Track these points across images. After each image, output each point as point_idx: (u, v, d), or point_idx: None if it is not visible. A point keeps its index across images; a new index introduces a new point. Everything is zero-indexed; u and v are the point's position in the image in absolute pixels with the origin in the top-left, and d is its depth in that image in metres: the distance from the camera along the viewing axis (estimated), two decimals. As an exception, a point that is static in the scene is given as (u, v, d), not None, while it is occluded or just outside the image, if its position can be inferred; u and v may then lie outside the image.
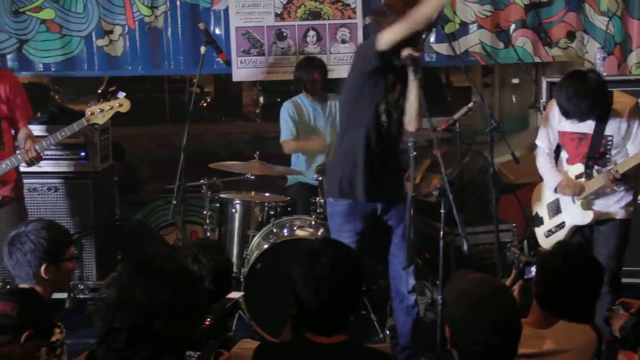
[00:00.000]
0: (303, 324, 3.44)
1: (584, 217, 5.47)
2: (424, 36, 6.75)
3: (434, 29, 7.02)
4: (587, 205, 5.44)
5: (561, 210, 5.62)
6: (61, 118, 6.95)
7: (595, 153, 5.39)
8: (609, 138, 5.37)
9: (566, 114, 5.32)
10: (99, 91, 10.95)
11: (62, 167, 6.89)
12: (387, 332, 6.03)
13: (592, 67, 5.80)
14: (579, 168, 5.45)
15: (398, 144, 5.30)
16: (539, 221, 5.82)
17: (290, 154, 7.28)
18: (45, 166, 6.71)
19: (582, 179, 5.43)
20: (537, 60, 7.65)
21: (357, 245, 5.14)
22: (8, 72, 6.10)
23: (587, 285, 3.77)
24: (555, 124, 5.58)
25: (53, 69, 7.70)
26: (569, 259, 3.86)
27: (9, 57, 7.55)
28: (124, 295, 3.11)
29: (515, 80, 8.03)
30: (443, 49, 7.56)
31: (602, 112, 5.30)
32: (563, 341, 3.64)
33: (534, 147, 7.14)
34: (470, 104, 7.08)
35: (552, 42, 7.56)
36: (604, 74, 7.03)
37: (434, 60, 7.64)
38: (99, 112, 5.67)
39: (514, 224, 6.82)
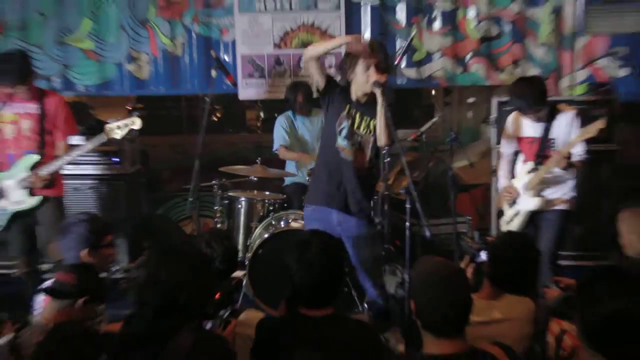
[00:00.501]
0: (297, 301, 3.52)
1: (534, 203, 5.54)
2: (395, 63, 6.86)
3: (404, 57, 7.12)
4: (536, 193, 5.50)
5: (516, 201, 5.68)
6: (97, 130, 6.97)
7: (543, 152, 5.49)
8: (553, 140, 5.48)
9: (523, 105, 5.46)
10: (129, 107, 10.96)
11: (100, 170, 6.99)
12: (365, 305, 6.09)
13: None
14: (531, 165, 5.55)
15: (360, 166, 5.16)
16: (502, 213, 5.87)
17: (286, 160, 7.34)
18: (86, 169, 6.89)
19: (532, 174, 5.51)
20: (488, 83, 7.66)
21: None
22: (55, 93, 5.99)
23: (526, 265, 3.88)
24: (514, 132, 5.70)
25: (91, 90, 7.72)
26: (513, 245, 3.99)
27: (54, 79, 7.61)
28: (152, 276, 3.18)
29: (471, 100, 8.03)
30: (412, 73, 7.57)
31: (547, 117, 5.43)
32: (508, 311, 3.74)
33: (485, 154, 7.26)
34: (434, 119, 7.15)
35: (501, 68, 7.60)
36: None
37: (404, 82, 7.63)
38: (117, 129, 5.64)
39: (468, 217, 6.88)
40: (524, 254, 3.92)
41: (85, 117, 8.60)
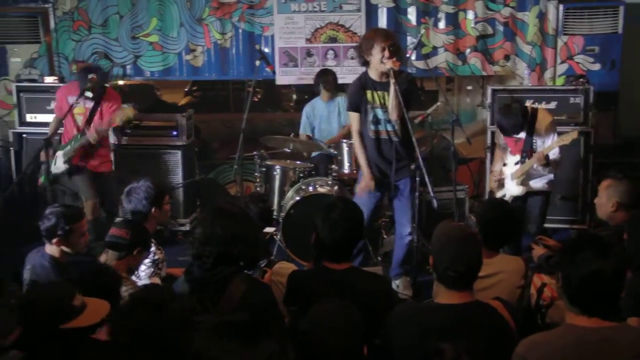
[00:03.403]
0: (321, 256, 3.45)
1: (518, 190, 5.43)
2: (407, 55, 6.77)
3: (414, 51, 7.01)
4: (520, 182, 5.40)
5: (504, 185, 5.58)
6: (158, 108, 7.06)
7: (527, 149, 5.38)
8: (534, 140, 5.36)
9: (503, 131, 5.38)
10: (185, 89, 10.90)
11: (161, 142, 6.88)
12: (379, 258, 6.02)
13: (516, 98, 5.80)
14: (517, 157, 5.44)
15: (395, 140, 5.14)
16: (492, 193, 5.77)
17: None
18: (149, 141, 6.84)
19: (518, 165, 5.41)
20: (484, 73, 7.61)
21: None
22: (115, 92, 6.20)
23: (504, 227, 3.84)
24: (499, 135, 5.60)
25: (156, 75, 7.73)
26: (495, 210, 3.95)
27: (128, 67, 7.67)
28: (208, 232, 3.11)
29: (469, 87, 7.95)
30: (420, 64, 7.50)
31: (529, 126, 5.31)
32: (500, 266, 3.66)
33: (481, 133, 7.17)
34: (438, 103, 7.07)
35: (494, 62, 7.53)
36: (529, 84, 6.99)
37: (414, 72, 7.53)
38: (118, 119, 5.70)
39: (466, 186, 6.76)
40: (505, 215, 3.87)
41: (152, 96, 8.60)
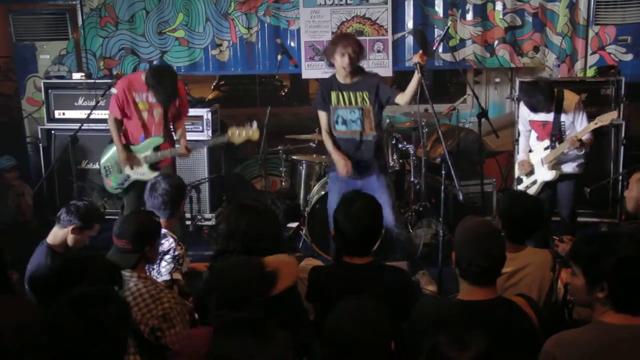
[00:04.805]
0: (342, 251, 3.43)
1: (551, 175, 5.41)
2: (434, 48, 6.74)
3: (441, 43, 6.94)
4: (552, 167, 5.37)
5: (534, 171, 5.53)
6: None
7: (556, 132, 5.34)
8: (563, 122, 5.34)
9: (533, 109, 5.33)
10: (213, 84, 10.92)
11: (187, 136, 6.83)
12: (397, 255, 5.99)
13: (540, 76, 5.76)
14: (546, 142, 5.42)
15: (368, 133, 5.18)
16: (520, 181, 5.73)
17: None
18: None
19: (548, 150, 5.38)
20: (512, 65, 7.49)
21: None
22: (180, 82, 5.62)
23: (527, 219, 3.74)
24: (526, 117, 5.54)
25: (183, 70, 7.68)
26: (517, 203, 3.85)
27: (155, 62, 7.64)
28: (232, 227, 3.12)
29: (497, 79, 7.87)
30: (448, 56, 7.41)
31: (556, 105, 5.28)
32: (527, 260, 3.60)
33: (508, 126, 7.09)
34: (466, 95, 7.01)
35: (523, 53, 7.42)
36: (559, 76, 6.91)
37: (441, 64, 7.48)
38: (237, 135, 5.42)
39: (493, 179, 6.71)
40: (527, 207, 3.78)
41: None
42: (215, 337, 2.19)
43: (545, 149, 5.43)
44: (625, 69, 6.76)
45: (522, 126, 5.72)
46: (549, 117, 5.35)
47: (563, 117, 5.32)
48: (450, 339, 2.16)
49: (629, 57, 7.03)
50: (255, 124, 5.47)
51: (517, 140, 6.04)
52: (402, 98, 4.94)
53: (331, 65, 5.16)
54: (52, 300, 2.41)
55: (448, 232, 5.35)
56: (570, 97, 5.35)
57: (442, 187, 4.94)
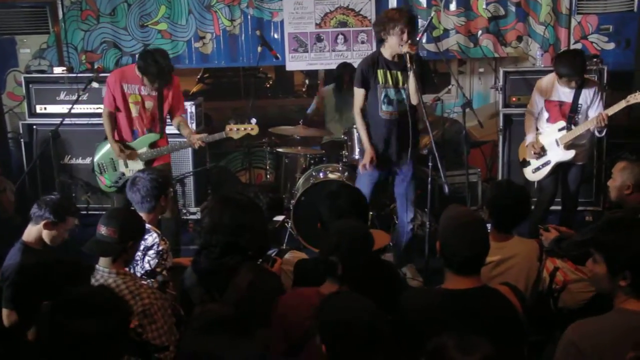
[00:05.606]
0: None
1: (569, 155, 5.45)
2: (417, 38, 6.71)
3: (425, 33, 6.93)
4: (568, 147, 5.42)
5: (546, 152, 5.54)
6: None
7: (574, 114, 5.41)
8: (580, 105, 5.40)
9: (570, 75, 5.29)
10: (197, 77, 10.86)
11: (170, 129, 6.82)
12: (391, 244, 5.99)
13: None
14: (562, 123, 5.44)
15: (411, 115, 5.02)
16: (527, 163, 5.71)
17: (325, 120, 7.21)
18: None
19: (564, 131, 5.42)
20: (496, 55, 7.50)
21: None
22: (175, 77, 5.48)
23: (513, 208, 3.73)
24: (543, 95, 5.53)
25: (165, 63, 7.62)
26: (505, 192, 3.82)
27: (137, 56, 7.50)
28: (215, 221, 3.11)
29: (481, 69, 7.88)
30: (432, 47, 7.40)
31: (580, 82, 5.35)
32: (515, 249, 3.61)
33: (493, 115, 7.11)
34: (450, 86, 7.02)
35: (507, 43, 7.45)
36: (542, 65, 6.92)
37: (425, 55, 7.41)
38: (236, 130, 5.33)
39: (478, 169, 6.73)
40: (513, 196, 3.76)
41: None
42: (192, 334, 2.18)
43: (560, 129, 5.44)
44: (608, 58, 6.82)
45: (535, 105, 5.62)
46: (569, 97, 5.39)
47: (581, 100, 5.37)
48: (456, 343, 2.14)
49: (611, 46, 7.10)
50: (254, 120, 5.42)
51: (502, 131, 6.03)
52: (412, 99, 4.91)
53: (381, 40, 4.98)
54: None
55: (435, 223, 5.36)
56: (592, 81, 5.49)
57: (429, 179, 4.93)
